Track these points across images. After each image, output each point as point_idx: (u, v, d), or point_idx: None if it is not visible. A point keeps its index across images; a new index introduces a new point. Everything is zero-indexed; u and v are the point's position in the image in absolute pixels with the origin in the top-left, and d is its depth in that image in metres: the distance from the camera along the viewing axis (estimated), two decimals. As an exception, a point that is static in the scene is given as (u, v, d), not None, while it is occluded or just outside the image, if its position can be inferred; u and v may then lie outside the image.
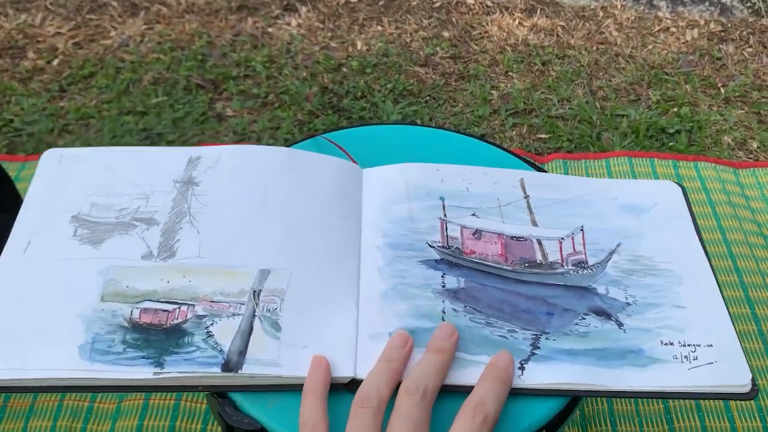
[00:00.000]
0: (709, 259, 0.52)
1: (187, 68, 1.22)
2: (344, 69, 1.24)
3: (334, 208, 0.53)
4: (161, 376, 0.43)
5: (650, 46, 1.32)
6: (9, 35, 1.30)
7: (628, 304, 0.49)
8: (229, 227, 0.50)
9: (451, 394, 0.43)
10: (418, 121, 1.13)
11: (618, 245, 0.52)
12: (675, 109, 1.17)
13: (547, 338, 0.46)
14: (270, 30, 1.33)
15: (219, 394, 0.44)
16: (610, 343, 0.47)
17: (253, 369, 0.43)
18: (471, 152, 0.61)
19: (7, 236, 0.90)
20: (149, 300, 0.46)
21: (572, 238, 0.52)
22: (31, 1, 1.39)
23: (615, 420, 0.69)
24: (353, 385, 0.43)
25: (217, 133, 1.10)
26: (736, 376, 0.45)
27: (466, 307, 0.48)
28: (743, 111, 1.18)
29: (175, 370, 0.43)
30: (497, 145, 0.61)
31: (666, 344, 0.47)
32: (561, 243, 0.52)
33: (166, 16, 1.36)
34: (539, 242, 0.52)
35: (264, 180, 0.53)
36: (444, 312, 0.47)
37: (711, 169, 1.02)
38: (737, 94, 1.21)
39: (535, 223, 0.53)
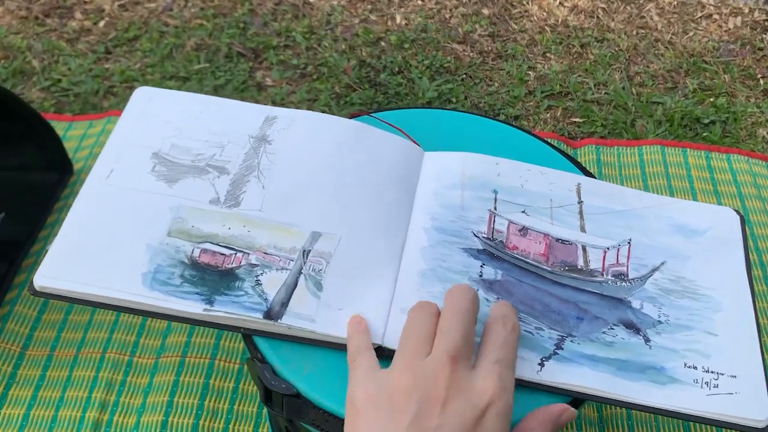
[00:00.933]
0: (753, 294, 0.52)
1: (228, 35, 1.24)
2: (382, 43, 1.25)
3: (392, 185, 0.55)
4: (210, 312, 0.47)
5: (691, 33, 1.31)
6: (57, -5, 1.33)
7: (660, 322, 0.49)
8: (292, 187, 0.54)
9: None
10: (453, 100, 1.14)
11: (662, 263, 0.52)
12: (711, 99, 1.17)
13: (572, 341, 0.48)
14: (311, 0, 1.34)
15: (259, 360, 0.47)
16: (633, 356, 0.47)
17: (291, 321, 0.47)
18: (501, 138, 0.62)
19: (56, 194, 0.94)
20: (210, 242, 0.50)
21: (618, 250, 0.53)
22: (78, -39, 1.41)
23: (633, 424, 0.70)
24: (380, 352, 0.46)
25: (256, 102, 1.12)
26: (754, 410, 0.45)
27: (498, 298, 0.49)
28: (781, 104, 1.18)
29: (222, 310, 0.47)
30: (534, 135, 0.63)
31: (689, 367, 0.47)
32: (605, 252, 0.53)
33: (210, -19, 1.38)
34: (584, 248, 0.53)
35: (331, 148, 0.56)
36: None
37: (743, 162, 1.02)
38: (777, 86, 1.21)
39: (583, 229, 0.54)
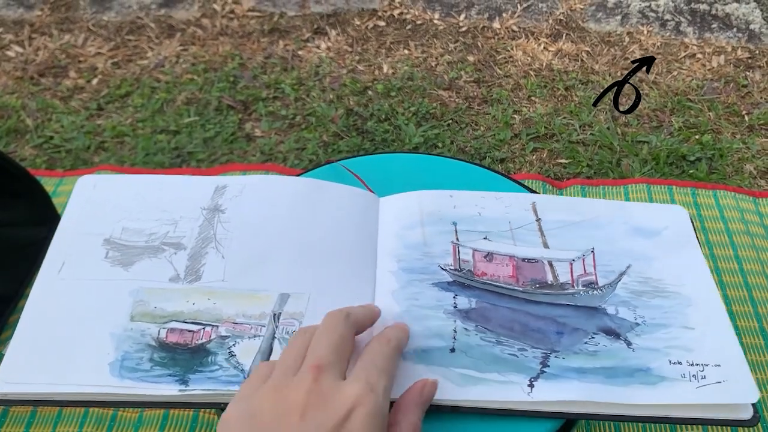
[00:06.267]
0: (717, 282, 0.54)
1: (219, 89, 1.27)
2: (370, 92, 1.28)
3: (352, 235, 0.55)
4: (186, 392, 0.45)
5: (675, 73, 1.33)
6: (53, 55, 1.36)
7: (637, 324, 0.50)
8: (253, 253, 0.53)
9: (458, 416, 0.46)
10: (440, 145, 1.15)
11: (628, 267, 0.54)
12: (697, 137, 1.18)
13: (556, 356, 0.48)
14: (300, 53, 1.37)
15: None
16: (619, 361, 0.48)
17: None
18: (483, 183, 0.63)
19: (44, 248, 0.95)
20: (175, 320, 0.49)
21: (583, 260, 0.54)
22: (74, 23, 1.45)
23: (619, 425, 0.70)
24: None
25: (245, 152, 1.14)
26: (743, 394, 0.46)
27: (477, 326, 0.49)
28: (767, 139, 1.18)
29: (199, 388, 0.45)
30: (512, 179, 0.63)
31: (674, 363, 0.48)
32: (572, 264, 0.54)
33: (201, 38, 1.41)
34: (550, 264, 0.54)
35: (285, 209, 0.56)
36: (455, 331, 0.49)
37: (730, 197, 1.02)
38: (762, 122, 1.21)
39: (546, 245, 0.55)
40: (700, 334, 0.50)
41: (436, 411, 0.46)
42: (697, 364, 0.48)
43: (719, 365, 0.48)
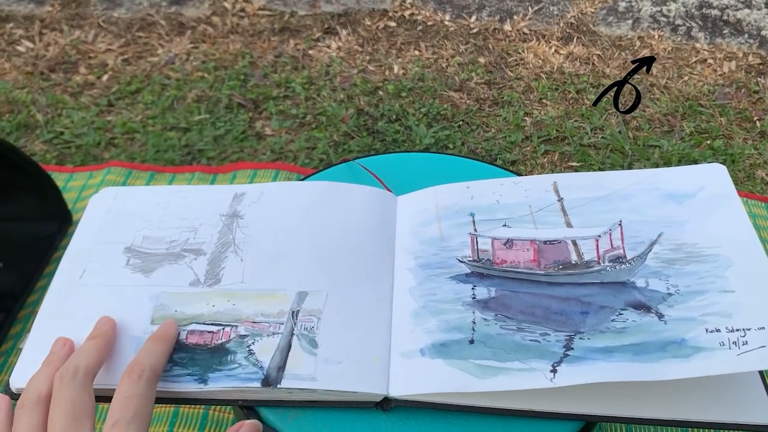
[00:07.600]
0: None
1: (229, 87, 1.27)
2: (380, 92, 1.27)
3: (369, 234, 0.55)
4: (205, 389, 0.46)
5: (686, 78, 1.32)
6: (63, 51, 1.36)
7: (670, 294, 0.47)
8: (271, 254, 0.53)
9: (473, 416, 0.45)
10: (450, 146, 1.15)
11: (659, 236, 0.50)
12: (708, 142, 1.17)
13: (581, 338, 0.46)
14: (311, 52, 1.37)
15: (246, 406, 0.46)
16: (649, 336, 0.45)
17: (291, 383, 0.45)
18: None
19: (54, 244, 0.94)
20: (196, 323, 0.49)
21: (609, 234, 0.51)
22: (85, 19, 1.45)
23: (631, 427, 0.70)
24: (386, 403, 0.46)
25: (255, 151, 1.14)
26: None
27: (496, 315, 0.48)
28: (779, 145, 1.18)
29: (218, 386, 0.46)
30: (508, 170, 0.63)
31: (711, 331, 0.44)
32: (597, 241, 0.51)
33: (212, 36, 1.41)
34: (574, 243, 0.51)
35: (303, 211, 0.56)
36: (474, 322, 0.48)
37: (742, 203, 1.02)
38: (773, 128, 1.21)
39: (569, 225, 0.53)
40: (741, 296, 0.45)
41: (450, 411, 0.45)
42: (737, 330, 0.44)
43: (763, 327, 0.43)
